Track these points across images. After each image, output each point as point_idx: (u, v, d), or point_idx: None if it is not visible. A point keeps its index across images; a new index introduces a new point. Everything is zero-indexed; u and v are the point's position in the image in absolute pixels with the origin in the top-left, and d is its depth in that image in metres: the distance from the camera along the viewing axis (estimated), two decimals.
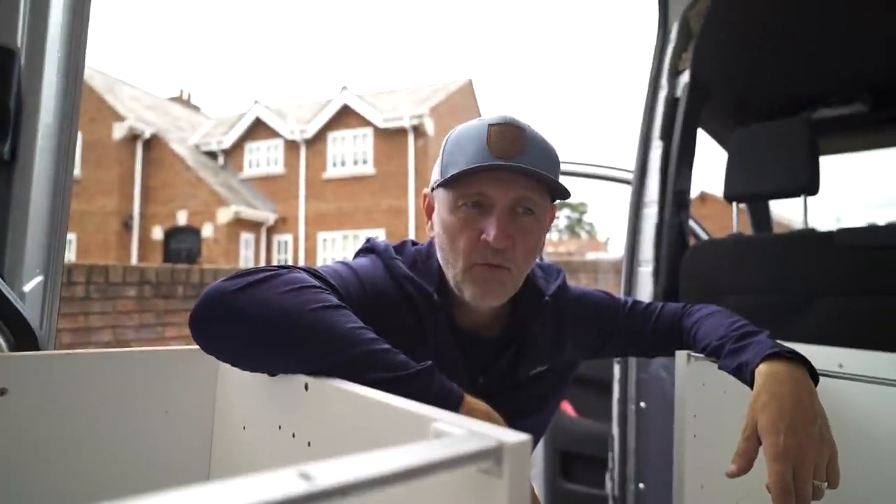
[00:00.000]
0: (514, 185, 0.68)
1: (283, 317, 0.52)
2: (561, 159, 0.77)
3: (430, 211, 0.79)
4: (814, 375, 0.70)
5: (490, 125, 0.70)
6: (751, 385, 0.69)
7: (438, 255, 0.76)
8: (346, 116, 13.49)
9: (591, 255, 18.08)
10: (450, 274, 0.73)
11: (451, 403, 0.50)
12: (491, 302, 0.72)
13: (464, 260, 0.70)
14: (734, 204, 1.47)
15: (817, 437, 0.62)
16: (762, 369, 0.68)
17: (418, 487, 0.32)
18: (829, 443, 0.63)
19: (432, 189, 0.77)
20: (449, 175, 0.69)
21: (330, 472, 0.21)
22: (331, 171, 13.60)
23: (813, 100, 1.73)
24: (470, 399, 0.53)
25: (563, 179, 0.75)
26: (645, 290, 1.52)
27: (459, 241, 0.70)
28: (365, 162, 13.35)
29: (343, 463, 0.23)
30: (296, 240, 13.63)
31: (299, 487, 0.20)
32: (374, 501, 0.36)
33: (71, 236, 12.98)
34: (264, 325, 0.52)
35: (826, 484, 0.61)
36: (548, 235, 0.80)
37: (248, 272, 0.56)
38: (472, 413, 0.50)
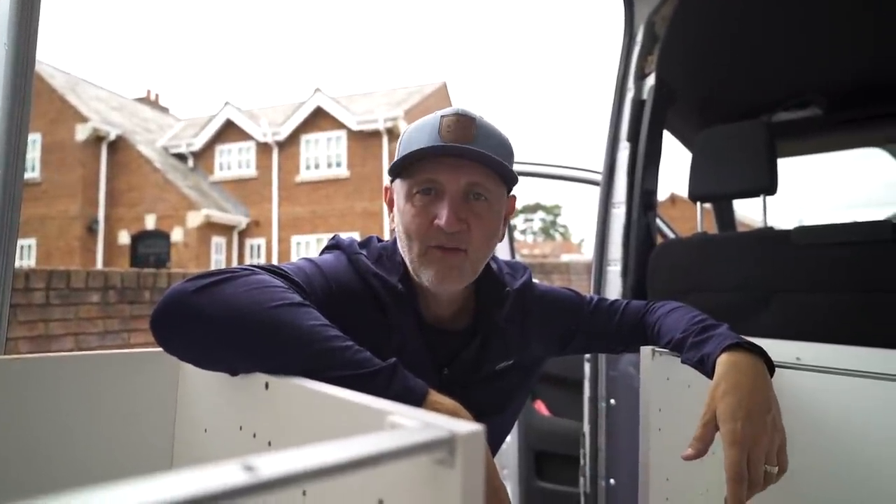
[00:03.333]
0: (464, 171, 0.70)
1: (243, 316, 0.52)
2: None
3: (391, 204, 0.80)
4: (770, 366, 0.73)
5: (443, 116, 0.72)
6: (711, 375, 0.71)
7: (399, 246, 0.77)
8: (319, 119, 13.36)
9: (565, 257, 18.31)
10: (408, 260, 0.74)
11: (413, 400, 0.49)
12: (449, 286, 0.73)
13: (418, 244, 0.71)
14: (698, 204, 1.51)
15: (770, 424, 0.64)
16: (723, 359, 0.71)
17: (376, 478, 0.32)
18: (780, 430, 0.66)
19: (392, 182, 0.78)
20: (396, 161, 0.70)
21: (274, 464, 0.21)
22: (304, 174, 13.44)
23: (772, 103, 1.79)
24: (435, 396, 0.53)
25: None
26: (614, 289, 1.55)
27: (412, 227, 0.71)
28: (339, 165, 13.24)
29: (290, 455, 0.23)
30: (269, 243, 13.42)
31: (241, 478, 0.20)
32: (335, 492, 0.36)
33: (31, 241, 12.49)
34: (224, 325, 0.52)
35: (776, 468, 0.64)
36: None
37: (210, 273, 0.56)
38: (437, 409, 0.50)
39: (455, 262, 0.71)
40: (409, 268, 0.75)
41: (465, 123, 0.71)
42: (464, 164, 0.70)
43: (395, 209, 0.77)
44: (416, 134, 0.73)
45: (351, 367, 0.50)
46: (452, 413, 0.51)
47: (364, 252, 0.77)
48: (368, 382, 0.49)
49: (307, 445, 0.24)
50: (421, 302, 0.78)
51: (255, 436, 0.50)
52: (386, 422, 0.32)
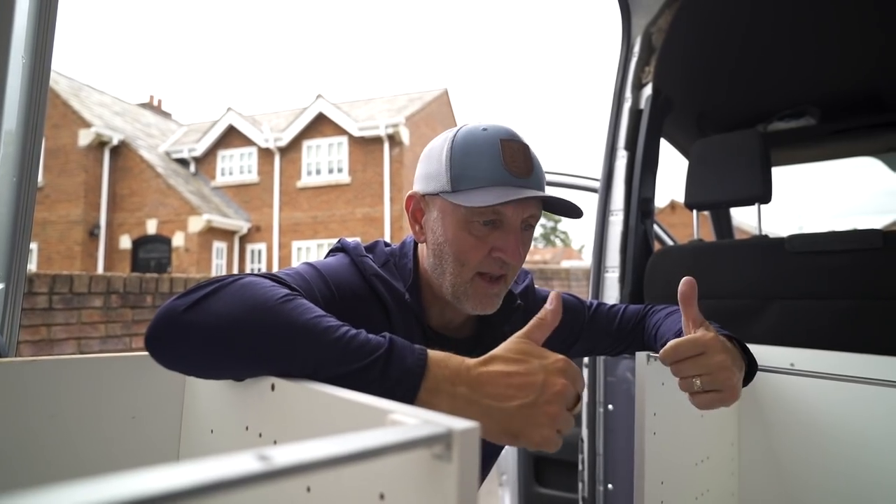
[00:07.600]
0: (527, 206, 0.72)
1: (235, 328, 0.52)
2: None
3: (418, 214, 0.77)
4: (752, 367, 0.76)
5: (502, 140, 0.71)
6: None
7: (430, 261, 0.76)
8: (321, 125, 13.43)
9: (565, 263, 18.29)
10: (447, 282, 0.74)
11: (412, 381, 0.50)
12: (488, 311, 0.75)
13: (470, 271, 0.73)
14: (694, 211, 1.54)
15: (729, 366, 0.67)
16: None
17: (377, 473, 0.34)
18: (730, 383, 0.67)
19: (425, 195, 0.75)
20: (473, 194, 0.68)
21: (286, 454, 0.23)
22: (305, 180, 13.49)
23: (766, 113, 1.82)
24: (434, 357, 0.52)
25: None
26: (612, 296, 1.57)
27: (469, 255, 0.72)
28: (340, 170, 13.29)
29: (302, 447, 0.25)
30: (269, 249, 13.44)
31: (256, 466, 0.22)
32: (338, 487, 0.38)
33: (32, 245, 12.48)
34: (218, 341, 0.52)
35: (699, 383, 0.67)
36: None
37: (199, 287, 0.56)
38: (439, 367, 0.51)
39: (496, 290, 0.74)
40: (446, 288, 0.74)
41: (524, 152, 0.71)
42: (528, 198, 0.70)
43: (432, 224, 0.75)
44: (474, 156, 0.70)
45: (350, 361, 0.50)
46: (449, 362, 0.52)
47: (370, 256, 0.77)
48: (366, 373, 0.50)
49: (315, 439, 0.26)
50: (430, 311, 0.78)
51: (260, 435, 0.52)
52: (387, 419, 0.34)
